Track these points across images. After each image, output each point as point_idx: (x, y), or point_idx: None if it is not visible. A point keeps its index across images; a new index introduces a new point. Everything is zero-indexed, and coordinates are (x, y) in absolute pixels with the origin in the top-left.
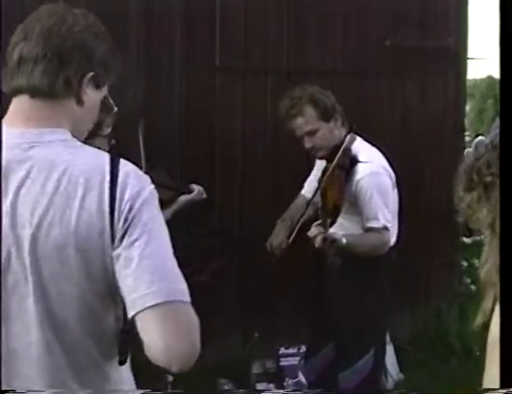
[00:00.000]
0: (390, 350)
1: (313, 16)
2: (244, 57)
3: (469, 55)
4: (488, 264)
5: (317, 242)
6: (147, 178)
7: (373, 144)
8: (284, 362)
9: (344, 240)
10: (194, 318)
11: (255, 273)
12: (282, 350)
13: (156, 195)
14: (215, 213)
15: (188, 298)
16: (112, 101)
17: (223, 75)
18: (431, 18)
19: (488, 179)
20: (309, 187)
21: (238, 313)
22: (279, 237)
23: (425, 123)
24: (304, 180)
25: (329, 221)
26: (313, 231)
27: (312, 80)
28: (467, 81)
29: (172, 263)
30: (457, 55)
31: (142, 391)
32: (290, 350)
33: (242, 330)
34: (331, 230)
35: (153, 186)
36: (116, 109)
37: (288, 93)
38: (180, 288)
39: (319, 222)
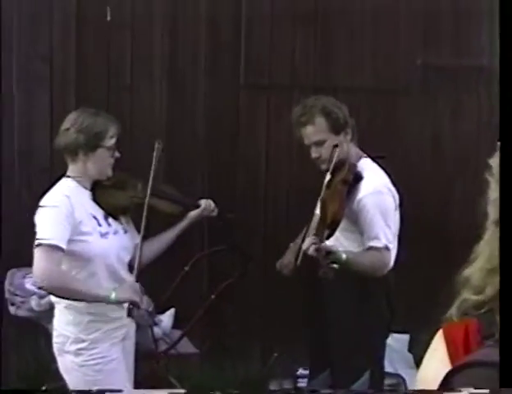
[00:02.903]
0: (414, 374)
1: (341, 32)
2: (269, 74)
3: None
4: (476, 265)
5: (311, 252)
6: None
7: (381, 166)
8: (302, 383)
9: (344, 256)
10: None
11: (277, 293)
12: (300, 371)
13: None
14: (237, 230)
15: None
16: None
17: (248, 93)
18: (463, 36)
19: None
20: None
21: (258, 332)
22: (287, 258)
23: (457, 143)
24: None
25: (326, 232)
26: (308, 241)
27: (339, 96)
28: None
29: None
30: (491, 73)
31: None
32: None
33: (262, 350)
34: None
35: None
36: None
37: (302, 101)
38: None
39: (315, 232)
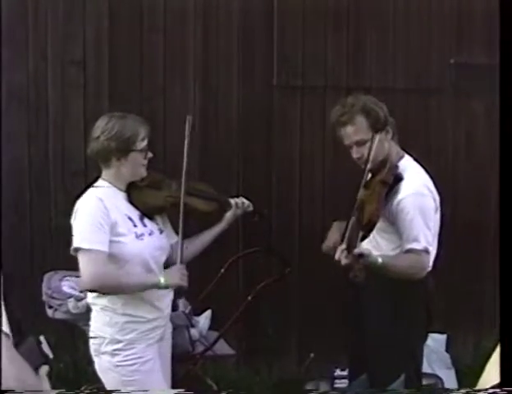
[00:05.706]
0: (451, 374)
1: (373, 32)
2: (302, 75)
3: None
4: None
5: (343, 262)
6: None
7: (422, 165)
8: (338, 384)
9: (379, 260)
10: None
11: (314, 293)
12: (338, 372)
13: None
14: (272, 230)
15: None
16: None
17: (280, 94)
18: (496, 35)
19: None
20: None
21: (294, 333)
22: (332, 238)
23: (490, 142)
24: None
25: (361, 234)
26: (338, 251)
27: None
28: None
29: None
30: None
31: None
32: (346, 372)
33: (298, 351)
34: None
35: None
36: None
37: (341, 100)
38: None
39: (348, 234)
